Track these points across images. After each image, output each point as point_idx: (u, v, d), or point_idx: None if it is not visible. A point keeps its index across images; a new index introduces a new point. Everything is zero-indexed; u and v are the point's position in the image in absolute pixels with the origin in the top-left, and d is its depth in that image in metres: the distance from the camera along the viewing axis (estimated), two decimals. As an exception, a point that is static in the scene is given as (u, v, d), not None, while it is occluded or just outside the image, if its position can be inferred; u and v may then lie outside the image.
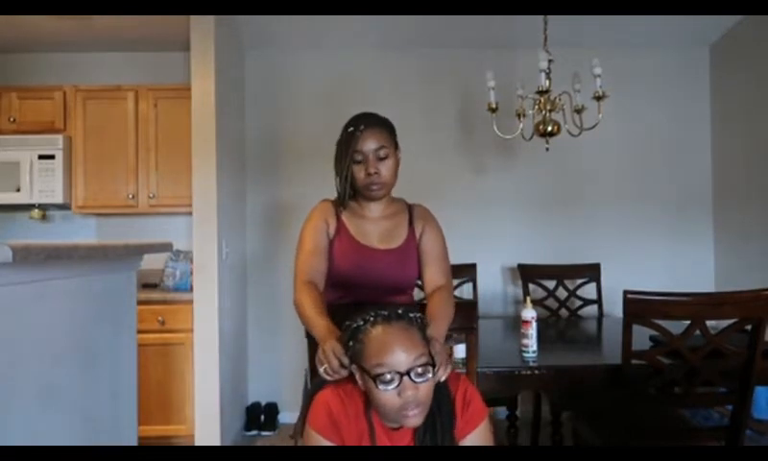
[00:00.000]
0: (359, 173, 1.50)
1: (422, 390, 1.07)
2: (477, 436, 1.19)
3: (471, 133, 3.52)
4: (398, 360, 1.06)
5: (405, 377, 1.05)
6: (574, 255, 3.40)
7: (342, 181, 1.53)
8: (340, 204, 1.57)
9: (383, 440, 1.15)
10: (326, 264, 1.52)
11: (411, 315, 1.15)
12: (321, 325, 1.32)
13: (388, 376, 1.06)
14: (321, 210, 1.57)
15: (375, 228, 1.56)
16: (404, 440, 1.15)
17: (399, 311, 1.14)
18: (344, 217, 1.55)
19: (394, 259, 1.51)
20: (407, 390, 1.05)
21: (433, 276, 1.55)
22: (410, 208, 1.64)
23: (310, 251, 1.50)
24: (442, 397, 1.17)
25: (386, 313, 1.13)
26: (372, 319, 1.13)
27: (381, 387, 1.06)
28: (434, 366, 1.12)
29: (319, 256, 1.50)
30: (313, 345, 1.44)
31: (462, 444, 1.17)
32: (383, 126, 1.53)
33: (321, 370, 1.21)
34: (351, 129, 1.50)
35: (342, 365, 1.17)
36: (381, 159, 1.50)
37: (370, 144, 1.48)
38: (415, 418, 1.07)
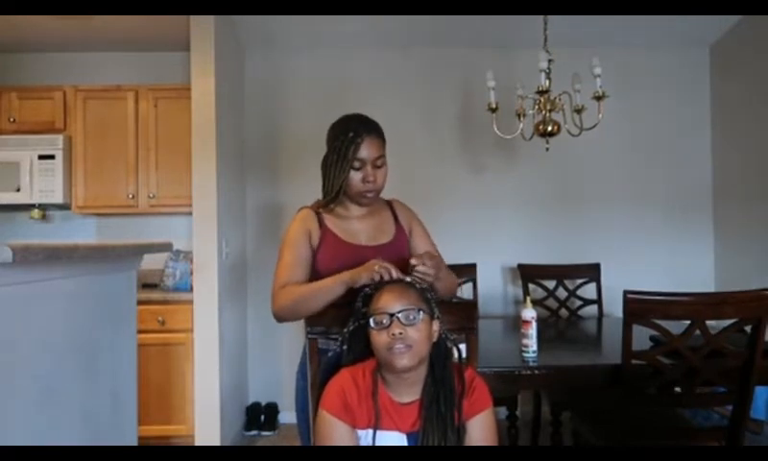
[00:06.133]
0: (355, 179, 1.49)
1: (410, 332, 1.19)
2: (482, 421, 1.28)
3: (471, 133, 3.52)
4: (390, 304, 1.22)
5: (394, 318, 1.20)
6: (574, 255, 3.40)
7: (335, 185, 1.50)
8: (325, 207, 1.54)
9: (391, 415, 1.24)
10: (307, 275, 1.51)
11: (410, 280, 1.31)
12: (333, 277, 1.39)
13: (380, 318, 1.22)
14: (301, 220, 1.53)
15: (362, 226, 1.56)
16: (412, 416, 1.25)
17: (402, 277, 1.31)
18: (327, 222, 1.54)
19: (385, 255, 1.50)
20: (395, 328, 1.19)
21: None
22: (389, 204, 1.66)
23: (289, 263, 1.49)
24: (446, 372, 1.27)
25: (392, 280, 1.30)
26: (379, 285, 1.29)
27: (375, 328, 1.22)
28: (431, 316, 1.25)
29: (298, 268, 1.49)
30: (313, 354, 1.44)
31: (468, 425, 1.27)
32: (380, 133, 1.53)
33: (376, 272, 1.30)
34: (352, 135, 1.47)
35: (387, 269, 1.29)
36: (378, 167, 1.50)
37: (371, 152, 1.48)
38: (401, 356, 1.19)
